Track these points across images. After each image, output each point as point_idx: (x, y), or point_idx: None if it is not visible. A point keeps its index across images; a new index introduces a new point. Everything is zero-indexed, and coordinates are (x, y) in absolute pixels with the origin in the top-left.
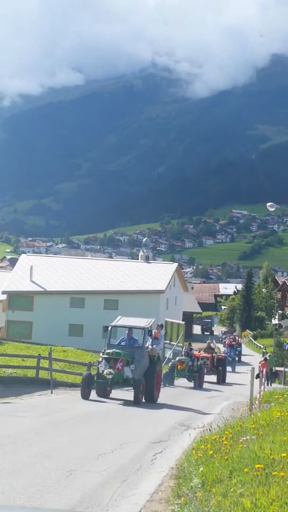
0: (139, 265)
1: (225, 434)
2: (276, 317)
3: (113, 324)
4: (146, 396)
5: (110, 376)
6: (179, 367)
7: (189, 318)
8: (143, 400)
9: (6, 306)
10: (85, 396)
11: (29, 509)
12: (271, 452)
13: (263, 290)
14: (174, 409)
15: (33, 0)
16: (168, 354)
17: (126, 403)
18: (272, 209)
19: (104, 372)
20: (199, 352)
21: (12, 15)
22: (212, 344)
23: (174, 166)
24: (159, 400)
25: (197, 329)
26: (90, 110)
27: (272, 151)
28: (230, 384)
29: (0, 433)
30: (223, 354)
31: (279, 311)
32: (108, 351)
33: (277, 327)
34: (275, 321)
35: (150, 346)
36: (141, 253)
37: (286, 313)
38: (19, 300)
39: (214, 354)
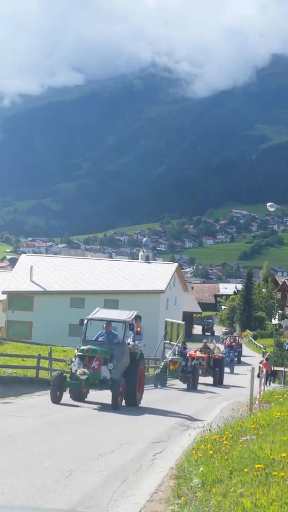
0: (139, 265)
1: (225, 434)
2: (276, 317)
3: (89, 316)
4: (127, 399)
5: (84, 377)
6: (171, 367)
7: (189, 318)
8: (124, 404)
9: (6, 306)
10: (56, 399)
11: (29, 509)
12: (271, 452)
13: (263, 290)
14: (159, 415)
15: (33, 0)
16: (168, 354)
17: (103, 407)
18: (272, 209)
19: (78, 372)
20: (195, 352)
21: (12, 15)
22: (211, 345)
23: (174, 166)
24: (143, 404)
25: (198, 330)
26: (90, 110)
27: (272, 151)
28: (227, 386)
29: (0, 433)
30: (221, 355)
31: (279, 311)
32: (83, 347)
33: (277, 327)
34: (275, 321)
35: (131, 342)
36: (141, 253)
37: (286, 313)
38: (19, 300)
39: (210, 355)
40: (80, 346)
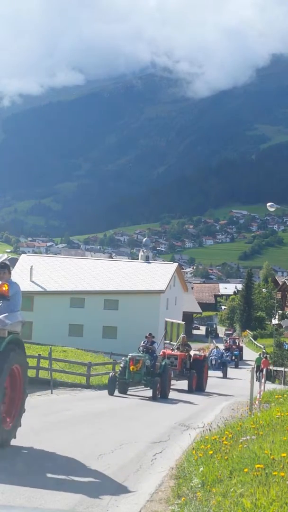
0: (139, 265)
1: (225, 434)
2: (276, 317)
3: None
4: None
5: None
6: (131, 367)
7: (189, 318)
8: None
9: None
10: None
11: (29, 509)
12: (271, 452)
13: (263, 290)
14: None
15: (33, 0)
16: None
17: None
18: (272, 209)
19: None
20: (172, 350)
21: (13, 15)
22: (212, 345)
23: (174, 166)
24: (32, 433)
25: (202, 331)
26: (90, 110)
27: (272, 151)
28: (210, 394)
29: None
30: (203, 354)
31: (279, 311)
32: None
33: (277, 327)
34: (275, 321)
35: None
36: (141, 253)
37: (286, 313)
38: None
39: (187, 353)
40: None
